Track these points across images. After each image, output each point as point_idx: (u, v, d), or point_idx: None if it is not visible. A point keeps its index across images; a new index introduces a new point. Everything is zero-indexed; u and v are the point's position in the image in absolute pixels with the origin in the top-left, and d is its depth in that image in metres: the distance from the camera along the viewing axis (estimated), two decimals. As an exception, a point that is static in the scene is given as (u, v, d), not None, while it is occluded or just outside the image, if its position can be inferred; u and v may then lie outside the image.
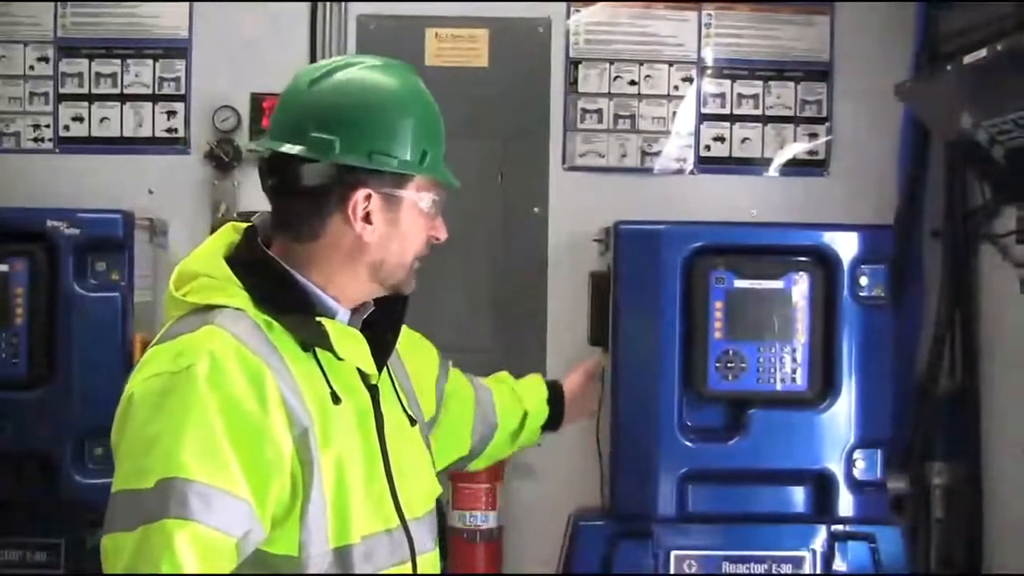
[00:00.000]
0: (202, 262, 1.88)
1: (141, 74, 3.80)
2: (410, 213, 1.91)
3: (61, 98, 3.80)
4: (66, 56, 3.79)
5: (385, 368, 1.99)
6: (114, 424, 1.77)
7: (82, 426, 3.23)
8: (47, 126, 3.79)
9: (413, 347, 2.22)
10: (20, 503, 3.29)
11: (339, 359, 1.85)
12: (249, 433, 1.71)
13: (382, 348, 1.96)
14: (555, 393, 2.71)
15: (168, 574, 1.62)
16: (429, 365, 2.30)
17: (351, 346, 1.86)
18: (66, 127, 3.80)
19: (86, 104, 3.80)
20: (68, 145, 3.80)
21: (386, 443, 1.90)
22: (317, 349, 1.84)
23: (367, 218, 1.87)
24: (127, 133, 3.80)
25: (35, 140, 3.80)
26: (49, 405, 3.23)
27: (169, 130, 3.81)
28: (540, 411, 2.65)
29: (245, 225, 1.96)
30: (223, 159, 3.72)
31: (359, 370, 1.90)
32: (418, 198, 1.91)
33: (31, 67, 3.79)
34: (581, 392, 2.83)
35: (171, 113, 3.80)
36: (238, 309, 1.82)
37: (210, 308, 1.82)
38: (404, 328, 2.12)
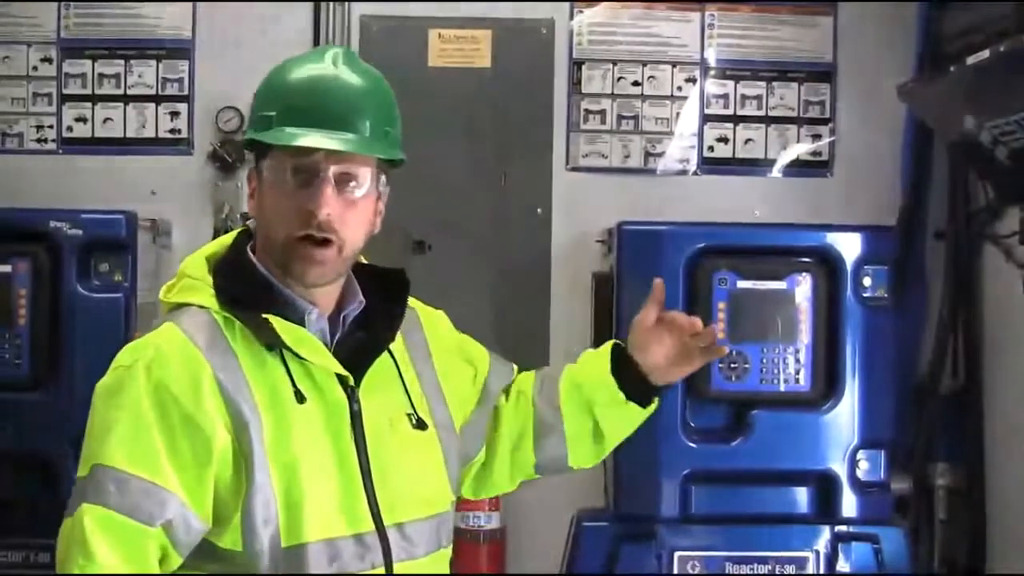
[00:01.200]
0: (189, 263, 1.92)
1: (144, 75, 3.80)
2: (268, 185, 1.86)
3: (64, 99, 3.80)
4: (69, 57, 3.79)
5: (395, 368, 1.96)
6: None
7: (84, 427, 3.22)
8: (50, 127, 3.80)
9: (453, 349, 2.15)
10: (23, 504, 3.28)
11: (301, 359, 1.83)
12: (178, 422, 1.74)
13: (371, 350, 1.92)
14: (621, 358, 2.16)
15: (80, 558, 1.68)
16: (468, 368, 2.18)
17: (305, 346, 1.84)
18: (69, 128, 3.80)
19: (89, 105, 3.80)
20: (71, 146, 3.80)
21: (366, 445, 1.86)
22: (283, 348, 1.83)
23: (252, 193, 1.91)
24: (130, 134, 3.80)
25: (38, 141, 3.80)
26: (52, 406, 3.22)
27: (172, 131, 3.81)
28: (603, 391, 2.14)
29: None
30: (226, 160, 3.72)
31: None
32: (269, 168, 1.85)
33: (34, 68, 3.79)
34: (655, 336, 2.14)
35: (174, 114, 3.80)
36: (202, 307, 1.84)
37: (181, 307, 1.87)
38: (447, 331, 2.14)
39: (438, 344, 2.10)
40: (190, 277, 1.88)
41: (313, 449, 1.81)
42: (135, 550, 1.70)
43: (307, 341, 1.84)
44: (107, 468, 1.73)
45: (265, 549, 1.75)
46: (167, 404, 1.75)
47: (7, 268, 3.25)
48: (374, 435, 1.88)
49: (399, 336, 1.99)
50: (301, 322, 1.86)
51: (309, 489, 1.78)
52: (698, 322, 2.13)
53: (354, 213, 1.85)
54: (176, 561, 1.75)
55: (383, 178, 1.91)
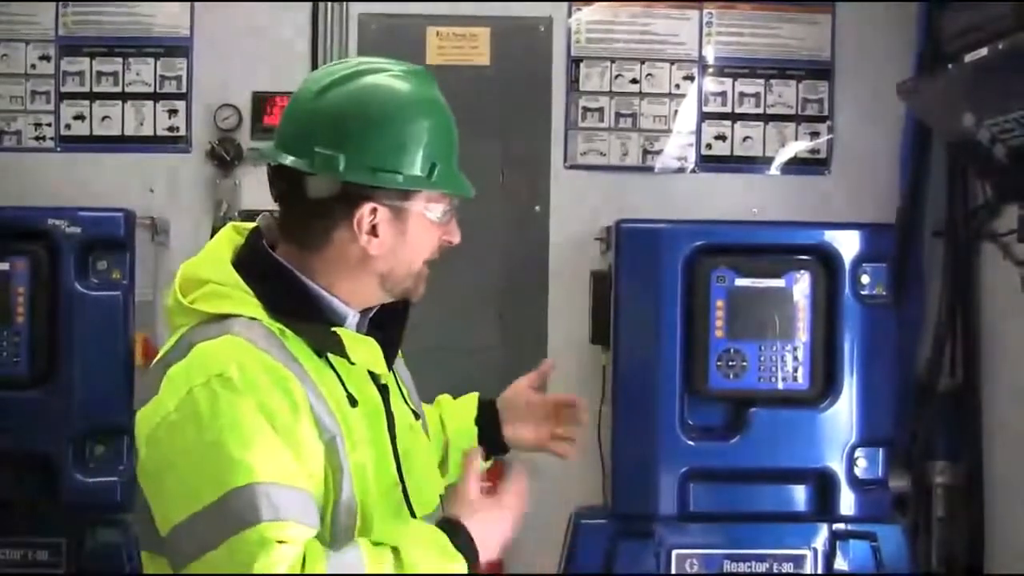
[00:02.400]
0: (209, 268, 1.83)
1: (142, 73, 3.80)
2: (418, 223, 1.85)
3: (63, 97, 3.80)
4: (67, 55, 3.79)
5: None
6: (146, 461, 1.72)
7: (83, 425, 3.23)
8: (48, 125, 3.79)
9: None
10: (21, 502, 3.29)
11: (351, 363, 1.83)
12: (290, 438, 1.69)
13: (390, 346, 1.93)
14: (488, 412, 2.31)
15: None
16: None
17: (365, 352, 1.84)
18: (67, 126, 3.79)
19: (87, 103, 3.80)
20: (69, 144, 3.80)
21: (397, 442, 1.89)
22: (330, 353, 1.82)
23: (374, 231, 1.82)
24: (128, 132, 3.80)
25: (36, 139, 3.79)
26: (50, 404, 3.22)
27: (170, 129, 3.81)
28: (464, 436, 2.29)
29: (248, 226, 1.92)
30: (224, 158, 3.72)
31: (369, 371, 1.89)
32: (427, 209, 1.85)
33: (32, 66, 3.79)
34: (524, 403, 2.32)
35: (172, 112, 3.80)
36: (252, 318, 1.77)
37: (223, 317, 1.77)
38: None
39: None
40: (218, 284, 1.80)
41: (369, 451, 1.82)
42: (315, 557, 1.65)
43: (369, 347, 1.85)
44: (262, 484, 1.63)
45: None
46: (274, 420, 1.68)
47: (6, 266, 3.25)
48: (400, 431, 1.92)
49: None
50: (341, 325, 1.86)
51: (373, 491, 1.80)
52: (581, 405, 2.31)
53: None
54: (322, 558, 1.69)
55: None
